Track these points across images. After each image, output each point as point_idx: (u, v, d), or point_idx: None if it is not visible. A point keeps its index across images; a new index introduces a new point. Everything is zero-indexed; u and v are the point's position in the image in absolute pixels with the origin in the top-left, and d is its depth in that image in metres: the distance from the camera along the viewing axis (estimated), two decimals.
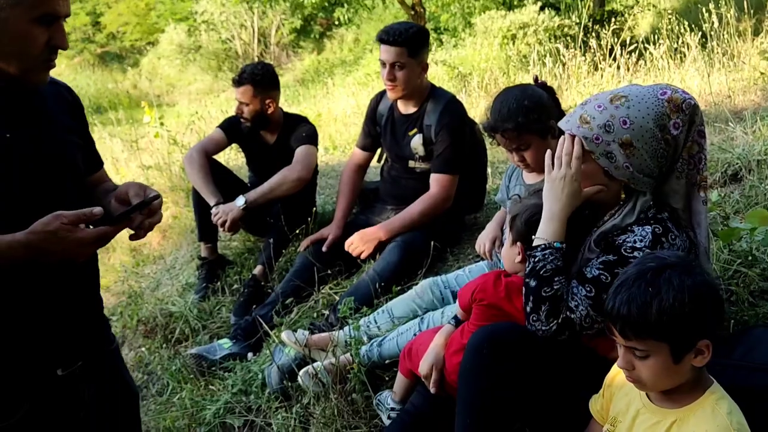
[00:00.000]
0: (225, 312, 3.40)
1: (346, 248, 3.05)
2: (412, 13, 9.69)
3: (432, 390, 2.01)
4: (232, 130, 3.62)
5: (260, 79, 3.41)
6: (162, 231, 5.12)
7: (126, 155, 6.82)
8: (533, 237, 1.78)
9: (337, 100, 8.88)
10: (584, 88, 5.52)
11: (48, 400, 1.56)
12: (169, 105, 13.73)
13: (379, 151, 3.42)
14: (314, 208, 3.51)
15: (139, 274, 4.61)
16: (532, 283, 1.69)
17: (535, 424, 1.89)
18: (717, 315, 1.39)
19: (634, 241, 1.64)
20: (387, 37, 2.99)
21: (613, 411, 1.56)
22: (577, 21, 9.06)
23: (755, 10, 5.56)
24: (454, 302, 2.37)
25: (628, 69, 5.59)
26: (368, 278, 2.84)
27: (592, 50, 5.84)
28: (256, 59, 15.61)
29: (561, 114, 2.31)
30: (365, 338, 2.51)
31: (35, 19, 1.40)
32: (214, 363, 2.90)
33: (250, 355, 2.90)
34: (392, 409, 2.21)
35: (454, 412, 1.75)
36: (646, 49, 5.55)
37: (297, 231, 3.38)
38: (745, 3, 5.39)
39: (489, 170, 3.58)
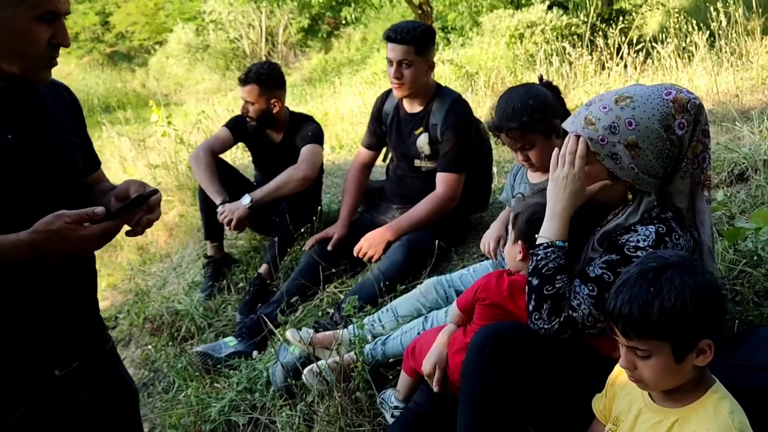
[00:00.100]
0: (231, 310, 3.42)
1: (355, 254, 3.06)
2: (420, 12, 9.69)
3: (435, 389, 2.02)
4: (238, 128, 3.63)
5: (266, 78, 3.42)
6: (169, 229, 5.15)
7: (133, 154, 6.85)
8: (535, 235, 1.78)
9: (344, 99, 8.88)
10: (591, 87, 5.50)
11: (46, 401, 1.56)
12: (177, 104, 13.76)
13: (384, 150, 3.43)
14: (319, 207, 3.52)
15: (145, 272, 4.63)
16: (535, 282, 1.69)
17: (538, 424, 1.89)
18: (719, 315, 1.40)
19: (638, 241, 1.64)
20: (394, 35, 3.00)
21: (616, 410, 1.56)
22: (585, 20, 9.03)
23: (764, 9, 5.53)
24: None
25: (636, 68, 5.57)
26: (373, 277, 2.84)
27: (599, 49, 5.82)
28: (263, 58, 15.63)
29: (566, 113, 2.31)
30: (369, 337, 2.52)
31: (37, 17, 1.41)
32: (220, 361, 2.92)
33: (255, 353, 2.91)
34: (396, 407, 2.22)
35: (457, 410, 1.76)
36: (653, 48, 5.53)
37: (302, 230, 3.39)
38: (753, 2, 5.36)
39: (495, 169, 3.58)
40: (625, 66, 5.59)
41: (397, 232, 3.01)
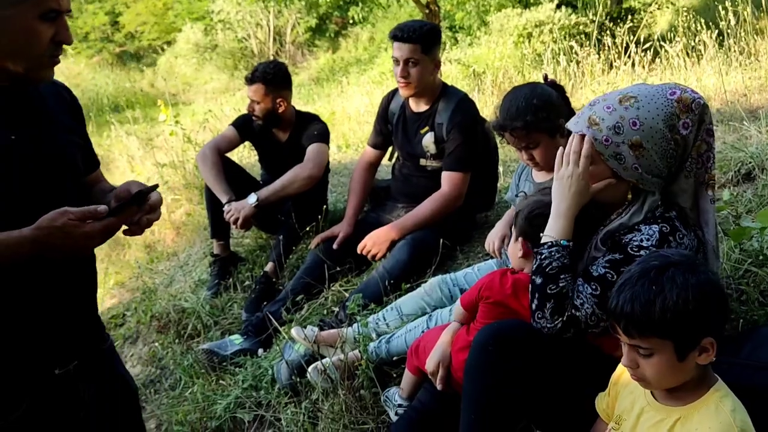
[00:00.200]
0: (237, 308, 3.43)
1: (359, 251, 3.07)
2: (427, 11, 9.69)
3: (438, 387, 2.03)
4: (244, 127, 3.65)
5: (272, 78, 3.44)
6: (176, 228, 5.18)
7: (141, 153, 6.89)
8: (534, 232, 1.79)
9: (351, 98, 8.90)
10: (599, 87, 5.49)
11: (46, 399, 1.57)
12: (185, 103, 13.81)
13: (390, 149, 3.43)
14: (325, 206, 3.53)
15: (153, 270, 4.66)
16: (538, 281, 1.69)
17: (541, 422, 1.89)
18: (721, 313, 1.39)
19: (641, 240, 1.64)
20: (401, 34, 3.01)
21: (618, 409, 1.56)
22: (594, 18, 9.00)
23: None
24: None
25: (644, 67, 5.55)
26: (378, 276, 2.85)
27: (606, 48, 5.81)
28: (271, 58, 15.66)
29: (570, 112, 2.31)
30: (374, 335, 2.53)
31: (39, 15, 1.41)
32: (225, 358, 2.93)
33: (260, 351, 2.92)
34: (399, 405, 2.22)
35: (460, 408, 1.76)
36: (661, 47, 5.51)
37: (307, 228, 3.40)
38: (762, 1, 5.33)
39: (501, 169, 3.58)
40: (633, 65, 5.57)
41: (401, 230, 3.01)
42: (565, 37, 8.75)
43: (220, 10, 16.98)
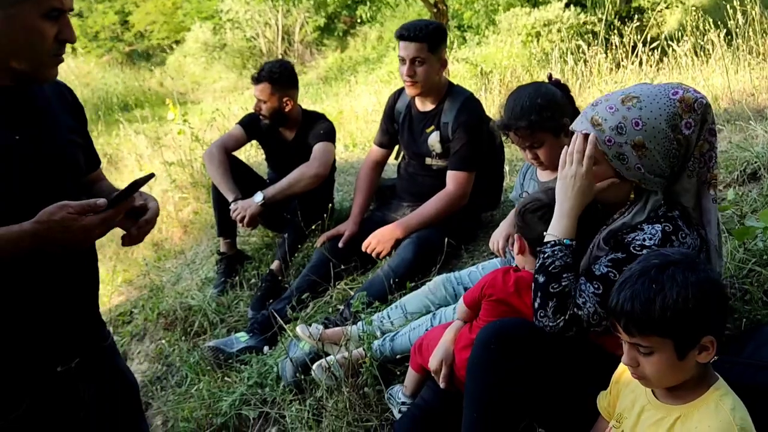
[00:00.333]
0: (243, 306, 3.45)
1: (363, 250, 3.08)
2: (435, 10, 9.68)
3: (441, 385, 2.04)
4: (251, 126, 3.66)
5: (278, 77, 3.45)
6: (183, 226, 5.21)
7: (149, 152, 6.93)
8: (527, 228, 1.84)
9: (359, 97, 8.91)
10: (606, 86, 5.47)
11: (47, 398, 1.58)
12: (194, 102, 13.86)
13: (396, 148, 3.45)
14: (330, 205, 3.54)
15: (160, 268, 4.68)
16: (541, 279, 1.70)
17: (543, 421, 1.90)
18: (721, 311, 1.39)
19: (644, 239, 1.64)
20: (407, 33, 3.01)
21: (619, 408, 1.57)
22: (602, 18, 8.97)
23: None
24: None
25: (651, 66, 5.53)
26: (383, 274, 2.87)
27: (613, 48, 5.79)
28: (280, 57, 15.70)
29: (575, 112, 2.31)
30: (378, 333, 2.54)
31: (43, 14, 1.43)
32: (231, 356, 2.95)
33: (266, 348, 2.94)
34: (403, 403, 2.24)
35: (463, 406, 1.77)
36: (669, 46, 5.49)
37: (313, 227, 3.41)
38: None
39: (507, 168, 3.58)
40: (641, 63, 5.56)
41: (406, 229, 3.02)
42: (573, 36, 8.73)
43: (228, 9, 17.04)
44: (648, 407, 1.47)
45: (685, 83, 1.75)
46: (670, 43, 5.44)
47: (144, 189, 1.61)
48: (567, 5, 10.75)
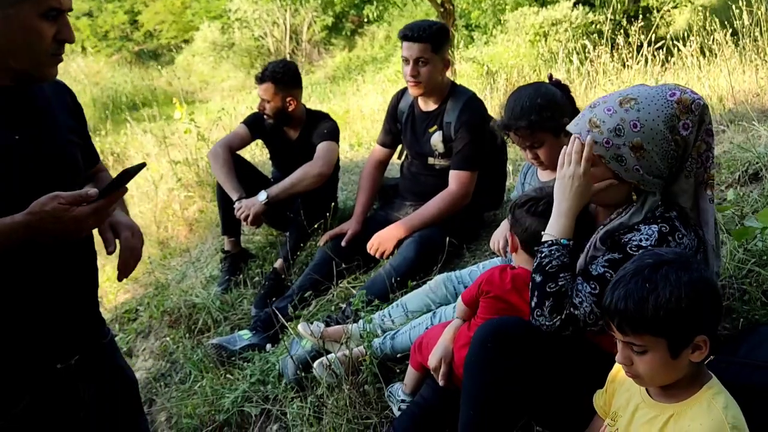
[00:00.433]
0: (246, 304, 3.47)
1: (368, 251, 3.10)
2: (442, 10, 9.66)
3: (440, 382, 2.05)
4: (255, 125, 3.68)
5: (281, 77, 3.46)
6: (189, 225, 5.24)
7: (156, 150, 6.97)
8: (516, 225, 1.88)
9: (366, 97, 8.92)
10: (612, 86, 5.47)
11: (48, 395, 1.59)
12: (203, 101, 13.93)
13: (399, 147, 3.46)
14: (333, 204, 3.56)
15: (165, 266, 4.72)
16: (538, 279, 1.71)
17: (540, 419, 1.91)
18: (715, 311, 1.40)
19: (640, 240, 1.65)
20: (411, 33, 3.03)
21: (615, 406, 1.58)
22: (611, 17, 8.95)
23: None
24: None
25: (656, 66, 5.51)
26: (384, 273, 2.88)
27: (619, 48, 5.78)
28: (288, 56, 15.73)
29: (575, 112, 2.31)
30: (380, 331, 2.56)
31: (42, 14, 1.44)
32: (234, 353, 2.97)
33: (268, 346, 2.96)
34: (402, 401, 2.25)
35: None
36: (674, 45, 5.48)
37: (316, 225, 3.43)
38: None
39: (510, 168, 3.59)
40: (646, 62, 5.55)
41: (408, 228, 3.04)
42: (581, 36, 8.71)
43: (237, 8, 17.08)
44: (642, 406, 1.48)
45: (688, 84, 1.76)
46: (675, 42, 5.42)
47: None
48: (575, 4, 10.73)
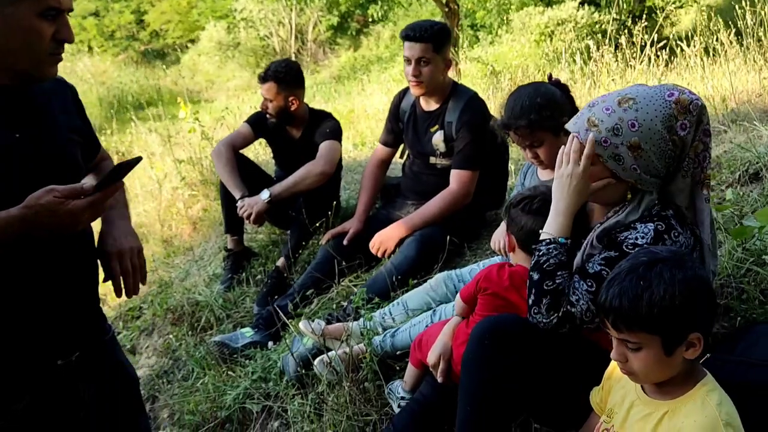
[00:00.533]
0: (249, 302, 3.49)
1: (370, 249, 3.12)
2: (446, 9, 9.67)
3: (439, 379, 2.07)
4: (258, 125, 3.70)
5: (283, 76, 3.48)
6: (192, 223, 5.27)
7: (161, 150, 7.00)
8: (512, 223, 1.91)
9: (371, 96, 8.93)
10: (615, 86, 5.46)
11: (48, 393, 1.60)
12: (208, 101, 13.98)
13: (401, 147, 3.48)
14: (335, 202, 3.57)
15: (169, 264, 4.74)
16: (535, 277, 1.72)
17: (538, 416, 1.93)
18: (709, 309, 1.41)
19: (636, 238, 1.66)
20: (413, 33, 3.05)
21: (610, 403, 1.59)
22: (616, 17, 8.94)
23: None
24: None
25: (658, 66, 5.51)
26: (386, 271, 2.90)
27: (623, 48, 5.78)
28: (293, 56, 15.78)
29: (574, 111, 2.32)
30: (380, 329, 2.58)
31: (40, 13, 1.45)
32: (236, 350, 2.99)
33: (270, 343, 2.98)
34: (402, 398, 2.27)
35: None
36: (677, 45, 5.47)
37: (317, 224, 3.45)
38: None
39: (512, 167, 3.60)
40: (649, 62, 5.54)
41: (409, 227, 3.06)
42: (586, 36, 8.71)
43: (242, 8, 17.15)
44: (637, 403, 1.49)
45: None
46: (679, 43, 5.41)
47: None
48: (581, 4, 10.73)
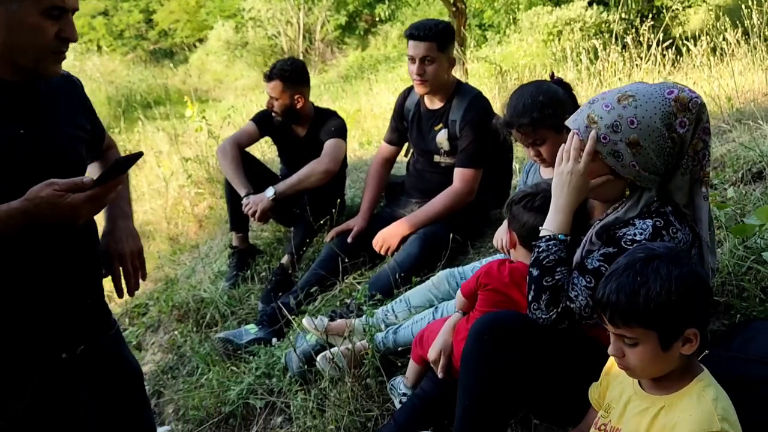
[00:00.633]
0: (254, 299, 3.51)
1: (373, 247, 3.13)
2: (454, 9, 9.67)
3: (439, 375, 2.08)
4: (264, 123, 3.72)
5: (289, 74, 3.50)
6: (199, 221, 5.30)
7: (168, 148, 7.04)
8: (513, 220, 1.92)
9: (378, 96, 8.94)
10: (621, 85, 5.44)
11: (49, 391, 1.62)
12: (216, 100, 14.03)
13: (406, 145, 3.49)
14: (339, 200, 3.59)
15: (175, 261, 4.77)
16: (535, 273, 1.73)
17: (538, 412, 1.94)
18: (705, 304, 1.43)
19: (634, 234, 1.67)
20: (417, 32, 3.06)
21: (608, 398, 1.60)
22: (624, 17, 8.91)
23: None
24: None
25: (664, 66, 5.50)
26: (389, 269, 2.91)
27: (629, 48, 5.77)
28: (301, 55, 15.81)
29: (576, 109, 2.33)
30: (383, 326, 2.60)
31: (43, 11, 1.48)
32: (240, 347, 3.01)
33: (274, 340, 3.00)
34: (404, 395, 2.28)
35: None
36: (684, 45, 5.46)
37: (321, 222, 3.47)
38: None
39: (517, 166, 3.60)
40: (656, 61, 5.53)
41: (413, 225, 3.07)
42: (594, 35, 8.69)
43: (251, 8, 17.19)
44: (634, 397, 1.50)
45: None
46: (685, 42, 5.40)
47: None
48: (590, 4, 10.70)
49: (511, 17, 11.81)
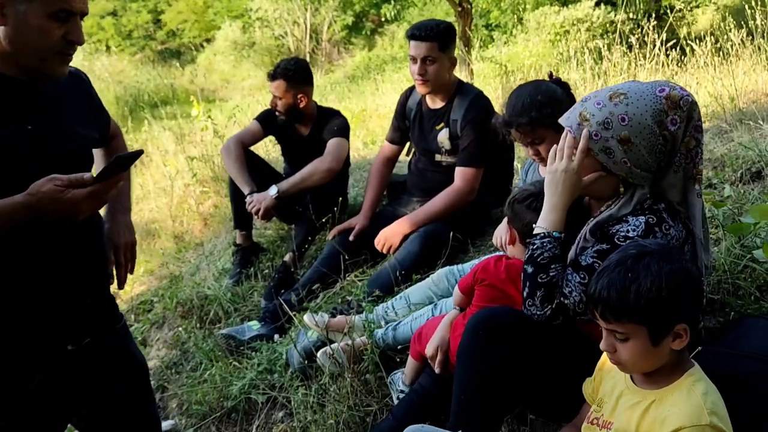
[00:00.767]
0: (257, 296, 3.54)
1: (375, 246, 3.16)
2: (460, 9, 9.68)
3: (436, 370, 2.11)
4: (268, 122, 3.75)
5: (292, 74, 3.53)
6: (203, 219, 5.34)
7: (174, 147, 7.09)
8: (515, 218, 1.94)
9: (384, 96, 8.96)
10: None
11: (49, 391, 1.64)
12: (223, 100, 14.08)
13: (407, 144, 3.51)
14: (341, 198, 3.62)
15: (180, 259, 4.81)
16: (529, 270, 1.76)
17: (533, 407, 1.96)
18: (695, 301, 1.44)
19: (627, 231, 1.69)
20: (418, 32, 3.08)
21: (601, 393, 1.62)
22: (631, 17, 8.90)
23: None
24: None
25: (668, 66, 5.50)
26: (390, 267, 2.94)
27: (634, 48, 5.77)
28: (308, 56, 15.86)
29: None
30: (383, 323, 2.62)
31: (51, 14, 1.50)
32: (243, 343, 3.04)
33: (276, 336, 3.03)
34: (402, 392, 2.31)
35: None
36: (687, 44, 5.46)
37: (323, 220, 3.49)
38: None
39: (518, 166, 3.62)
40: (660, 62, 5.54)
41: (414, 224, 3.10)
42: (601, 35, 8.68)
43: (258, 8, 17.24)
44: (626, 392, 1.52)
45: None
46: (689, 42, 5.41)
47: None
48: (597, 4, 10.69)
49: (516, 17, 11.81)
